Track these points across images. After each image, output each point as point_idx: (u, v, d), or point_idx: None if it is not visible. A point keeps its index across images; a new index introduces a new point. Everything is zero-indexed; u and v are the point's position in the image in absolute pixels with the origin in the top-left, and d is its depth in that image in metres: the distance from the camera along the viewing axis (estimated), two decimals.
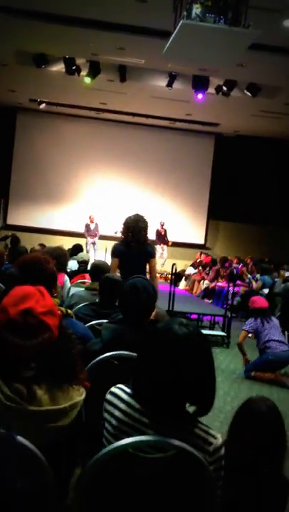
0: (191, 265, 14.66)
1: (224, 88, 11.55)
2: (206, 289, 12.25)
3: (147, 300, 2.77)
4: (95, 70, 11.31)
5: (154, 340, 1.70)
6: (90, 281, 4.56)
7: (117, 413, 1.65)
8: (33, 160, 16.33)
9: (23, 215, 16.43)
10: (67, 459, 1.69)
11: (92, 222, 15.33)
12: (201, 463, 1.58)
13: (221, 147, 16.77)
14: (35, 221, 16.29)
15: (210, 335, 8.42)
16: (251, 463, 2.16)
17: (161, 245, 15.88)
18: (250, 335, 6.71)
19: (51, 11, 8.75)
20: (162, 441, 1.56)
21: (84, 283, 5.37)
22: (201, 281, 12.78)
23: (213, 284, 12.10)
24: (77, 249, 8.83)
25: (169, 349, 1.62)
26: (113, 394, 1.70)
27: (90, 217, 15.35)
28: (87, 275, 5.60)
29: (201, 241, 17.25)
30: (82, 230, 15.49)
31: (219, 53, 7.76)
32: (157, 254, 15.86)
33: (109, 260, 5.38)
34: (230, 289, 9.10)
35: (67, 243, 13.04)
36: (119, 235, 14.49)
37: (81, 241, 13.57)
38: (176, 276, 13.33)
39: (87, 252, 14.08)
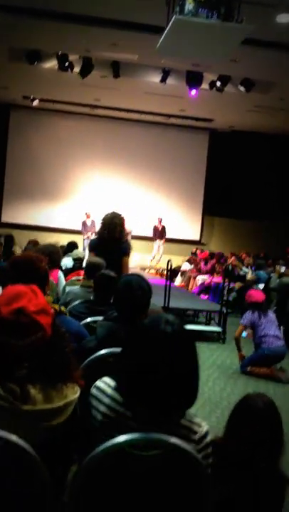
0: (187, 261, 14.66)
1: (218, 83, 11.54)
2: (202, 284, 12.26)
3: (142, 297, 2.77)
4: (88, 67, 11.27)
5: (140, 336, 1.70)
6: (85, 278, 4.54)
7: (101, 408, 1.65)
8: (28, 157, 16.28)
9: (18, 213, 16.40)
10: (63, 456, 1.69)
11: (88, 218, 15.32)
12: (194, 458, 1.59)
13: (215, 143, 16.77)
14: (31, 218, 16.27)
15: (206, 331, 8.44)
16: (248, 458, 2.18)
17: (158, 241, 15.90)
18: (244, 334, 6.72)
19: (43, 7, 8.70)
20: (155, 439, 1.57)
21: (79, 280, 5.37)
22: (197, 277, 12.78)
23: (208, 280, 12.11)
24: (72, 246, 8.82)
25: (154, 346, 1.64)
26: (98, 388, 1.71)
27: (86, 213, 15.34)
28: (82, 272, 5.60)
29: (197, 237, 17.27)
30: (78, 227, 15.48)
31: (212, 48, 7.75)
32: (154, 251, 16.04)
33: None
34: (226, 284, 9.12)
35: (63, 240, 13.06)
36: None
37: (77, 238, 13.59)
38: (172, 272, 13.38)
39: (84, 249, 14.07)
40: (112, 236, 5.11)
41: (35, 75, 12.12)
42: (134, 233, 15.33)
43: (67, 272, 6.41)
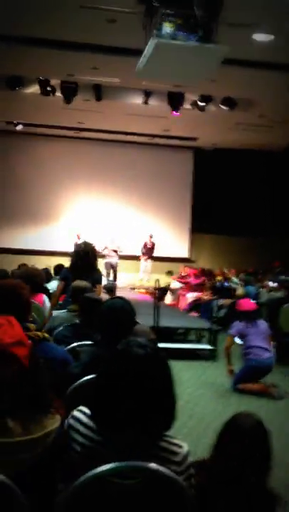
0: (176, 279, 14.66)
1: (200, 103, 11.68)
2: (192, 302, 12.25)
3: (126, 321, 2.77)
4: (71, 91, 11.37)
5: (113, 361, 1.71)
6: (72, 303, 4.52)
7: (78, 437, 1.64)
8: (14, 181, 16.29)
9: (5, 237, 16.36)
10: (46, 486, 1.67)
11: (79, 238, 15.32)
12: (176, 482, 1.58)
13: (200, 161, 16.92)
14: (17, 242, 16.23)
15: (197, 349, 8.42)
16: (238, 475, 2.19)
17: (146, 259, 15.90)
18: (239, 341, 6.63)
19: (24, 33, 8.80)
20: (134, 466, 1.55)
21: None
22: (187, 295, 12.78)
23: (199, 297, 12.10)
24: (59, 269, 8.79)
25: (127, 369, 1.64)
26: (74, 418, 1.69)
27: (76, 234, 15.32)
28: None
29: (185, 255, 17.31)
30: (66, 248, 15.44)
31: (192, 70, 7.86)
32: (141, 268, 16.04)
33: None
34: (216, 301, 9.15)
35: (52, 263, 13.06)
36: (106, 251, 14.76)
37: (65, 260, 13.56)
38: (162, 291, 13.37)
39: None
40: (85, 264, 5.18)
41: (18, 100, 12.21)
42: (122, 253, 15.41)
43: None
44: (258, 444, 2.33)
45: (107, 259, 15.25)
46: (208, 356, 8.16)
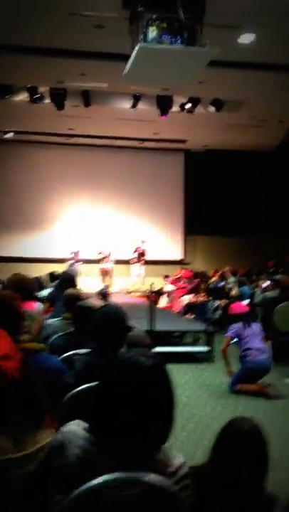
0: (170, 282, 14.66)
1: (188, 105, 11.71)
2: (187, 304, 12.25)
3: (119, 328, 2.76)
4: (60, 98, 11.37)
5: (117, 370, 1.69)
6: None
7: (74, 450, 1.62)
8: (5, 189, 16.26)
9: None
10: (40, 501, 1.66)
11: (75, 259, 15.42)
12: (172, 494, 1.57)
13: (191, 163, 16.94)
14: (11, 250, 16.18)
15: (193, 351, 8.41)
16: (235, 478, 2.20)
17: (138, 264, 15.88)
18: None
19: (13, 42, 8.81)
20: (131, 478, 1.55)
21: None
22: (182, 297, 12.77)
23: (194, 299, 12.11)
24: (53, 276, 8.77)
25: (132, 380, 1.62)
26: (68, 430, 1.67)
27: (73, 253, 15.39)
28: None
29: (180, 257, 17.31)
30: (61, 255, 15.49)
31: (179, 73, 7.89)
32: (132, 272, 16.02)
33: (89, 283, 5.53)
34: (211, 302, 9.16)
35: (45, 270, 13.06)
36: (101, 256, 14.78)
37: (59, 267, 13.57)
38: (157, 294, 13.37)
39: None
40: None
41: (7, 108, 12.20)
42: (116, 257, 15.41)
43: None
44: (254, 448, 2.34)
45: (102, 265, 15.26)
46: (205, 358, 8.15)
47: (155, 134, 14.92)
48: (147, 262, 16.01)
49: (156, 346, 7.15)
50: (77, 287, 5.52)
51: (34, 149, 16.29)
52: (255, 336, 6.42)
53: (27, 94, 11.36)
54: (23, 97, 11.57)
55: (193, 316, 11.70)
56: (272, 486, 3.67)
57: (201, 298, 11.39)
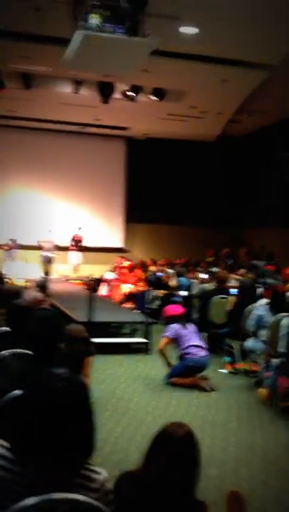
0: (110, 270, 14.66)
1: (130, 93, 11.63)
2: (127, 293, 12.28)
3: (54, 335, 2.72)
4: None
5: (33, 392, 1.68)
6: None
7: None
8: None
9: None
10: None
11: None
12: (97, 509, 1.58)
13: (132, 150, 16.89)
14: None
15: (131, 343, 8.46)
16: (166, 485, 2.22)
17: (75, 251, 15.78)
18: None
19: None
20: (54, 499, 1.54)
21: None
22: (121, 286, 12.79)
23: (134, 289, 12.16)
24: None
25: (48, 401, 1.62)
26: None
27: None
28: None
29: (120, 244, 17.30)
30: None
31: (120, 61, 7.81)
32: (74, 260, 15.91)
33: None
34: (149, 292, 9.23)
35: None
36: (44, 244, 14.52)
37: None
38: (97, 282, 13.33)
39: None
40: None
41: None
42: (56, 244, 15.24)
43: None
44: (187, 454, 2.36)
45: (44, 253, 15.04)
46: (142, 350, 8.21)
47: (97, 120, 14.74)
48: (87, 249, 15.91)
49: (93, 337, 7.17)
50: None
51: None
52: (193, 334, 6.53)
53: None
54: None
55: (132, 306, 11.76)
56: (204, 483, 3.77)
57: (141, 287, 11.45)
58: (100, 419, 4.97)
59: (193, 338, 6.49)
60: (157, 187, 16.26)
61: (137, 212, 16.73)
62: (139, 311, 10.80)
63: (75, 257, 15.76)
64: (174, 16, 8.02)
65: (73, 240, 15.74)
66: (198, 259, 14.70)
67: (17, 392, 2.51)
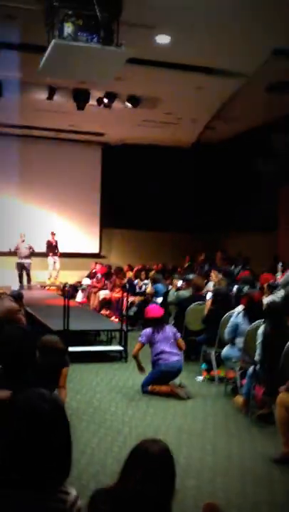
0: (87, 276, 14.63)
1: (105, 100, 11.63)
2: (103, 300, 12.27)
3: (25, 354, 2.70)
4: None
5: (14, 414, 1.68)
6: None
7: None
8: None
9: None
10: None
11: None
12: None
13: (108, 156, 16.86)
14: None
15: (107, 351, 8.44)
16: (143, 500, 2.22)
17: (53, 256, 15.68)
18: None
19: None
20: None
21: None
22: (98, 292, 12.76)
23: (109, 295, 12.14)
24: None
25: (29, 425, 1.63)
26: None
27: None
28: None
29: (96, 250, 17.26)
30: None
31: (95, 70, 7.83)
32: (49, 267, 15.80)
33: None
34: (125, 300, 9.21)
35: None
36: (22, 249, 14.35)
37: None
38: (73, 289, 13.25)
39: None
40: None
41: None
42: (33, 251, 15.10)
43: None
44: (162, 470, 2.36)
45: (19, 260, 14.88)
46: (119, 357, 8.20)
47: (72, 126, 14.69)
48: (63, 255, 15.83)
49: (70, 346, 7.13)
50: None
51: None
52: (166, 340, 6.54)
53: None
54: None
55: (108, 312, 11.74)
56: (181, 494, 3.78)
57: (117, 294, 11.43)
58: (77, 431, 4.94)
59: (166, 344, 6.50)
60: (134, 192, 16.26)
61: (114, 217, 16.71)
62: (115, 318, 10.81)
63: (53, 262, 15.67)
64: (148, 25, 8.05)
65: (49, 245, 15.64)
66: (174, 264, 14.75)
67: None
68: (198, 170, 16.33)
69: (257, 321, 5.90)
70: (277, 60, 9.06)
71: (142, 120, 13.35)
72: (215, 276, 9.38)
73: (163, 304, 9.17)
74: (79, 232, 16.97)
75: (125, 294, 9.45)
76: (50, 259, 15.68)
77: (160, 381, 6.39)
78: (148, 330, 6.62)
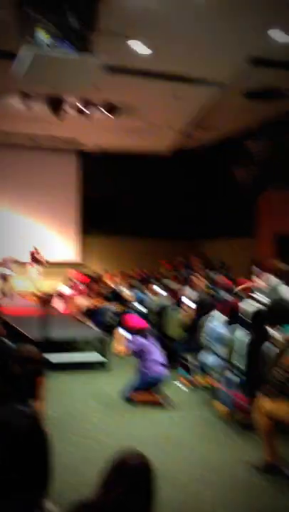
0: (67, 285, 14.47)
1: (81, 107, 11.58)
2: (83, 308, 12.15)
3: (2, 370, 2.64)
4: None
5: None
6: None
7: None
8: None
9: None
10: None
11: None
12: None
13: (87, 163, 16.79)
14: None
15: (87, 359, 8.34)
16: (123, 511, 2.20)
17: (35, 266, 15.53)
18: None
19: None
20: None
21: None
22: (78, 301, 12.64)
23: (90, 304, 12.04)
24: None
25: (4, 443, 1.61)
26: None
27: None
28: None
29: (76, 258, 17.14)
30: None
31: (69, 78, 7.78)
32: (31, 277, 15.61)
33: None
34: (107, 308, 9.15)
35: None
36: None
37: None
38: (52, 297, 13.10)
39: None
40: None
41: None
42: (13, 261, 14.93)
43: None
44: (143, 483, 2.36)
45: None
46: (99, 366, 8.11)
47: (47, 132, 14.58)
48: (43, 264, 15.67)
49: (49, 355, 7.05)
50: None
51: None
52: (154, 348, 6.51)
53: None
54: None
55: (89, 320, 11.62)
56: (164, 502, 3.72)
57: (97, 302, 11.34)
58: (59, 443, 4.83)
59: (155, 352, 6.48)
60: (113, 200, 16.23)
61: (94, 225, 16.63)
62: (95, 326, 10.70)
63: (35, 272, 15.52)
64: (125, 34, 8.05)
65: (32, 256, 15.52)
66: (154, 271, 14.71)
67: None
68: (178, 177, 16.37)
69: (239, 331, 5.84)
70: (253, 69, 9.15)
71: (118, 127, 13.33)
72: (198, 282, 9.33)
73: (142, 312, 9.12)
74: (58, 241, 16.83)
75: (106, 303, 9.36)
76: (32, 269, 15.54)
77: (144, 388, 6.33)
78: (140, 340, 6.55)
